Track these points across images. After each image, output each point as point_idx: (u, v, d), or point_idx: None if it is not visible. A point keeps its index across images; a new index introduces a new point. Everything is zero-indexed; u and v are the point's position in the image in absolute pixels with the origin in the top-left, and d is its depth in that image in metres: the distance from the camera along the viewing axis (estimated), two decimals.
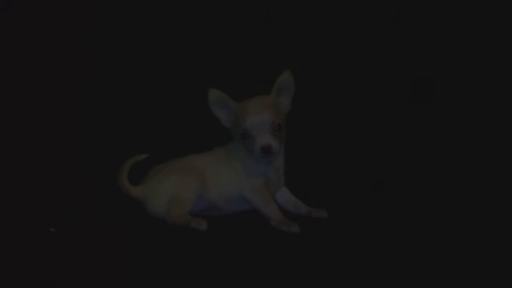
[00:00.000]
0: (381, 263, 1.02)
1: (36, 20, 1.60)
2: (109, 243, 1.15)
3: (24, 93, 1.60)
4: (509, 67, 1.55)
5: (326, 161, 1.58)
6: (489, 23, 1.56)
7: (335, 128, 1.61)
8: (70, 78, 1.62)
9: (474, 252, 1.06)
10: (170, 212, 1.26)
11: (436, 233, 1.16)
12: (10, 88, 1.59)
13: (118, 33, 1.63)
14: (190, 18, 1.65)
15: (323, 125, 1.62)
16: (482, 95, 1.57)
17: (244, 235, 1.19)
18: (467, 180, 1.45)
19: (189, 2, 1.64)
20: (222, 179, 1.31)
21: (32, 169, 1.53)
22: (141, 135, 1.60)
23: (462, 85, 1.58)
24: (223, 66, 1.61)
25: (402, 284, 0.95)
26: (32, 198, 1.41)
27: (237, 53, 1.64)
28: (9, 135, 1.56)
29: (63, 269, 1.02)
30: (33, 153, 1.56)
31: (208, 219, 1.22)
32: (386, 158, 1.57)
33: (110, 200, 1.37)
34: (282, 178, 1.35)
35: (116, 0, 1.63)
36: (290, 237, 1.18)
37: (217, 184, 1.31)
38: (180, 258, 1.07)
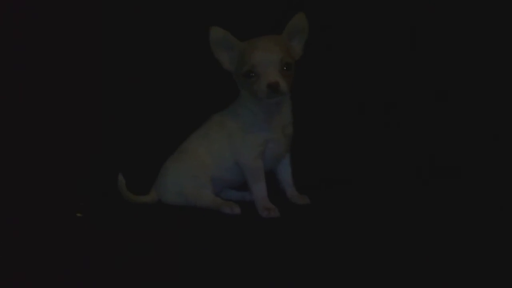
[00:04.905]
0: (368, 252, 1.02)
1: (37, 20, 1.60)
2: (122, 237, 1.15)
3: (41, 96, 1.61)
4: None
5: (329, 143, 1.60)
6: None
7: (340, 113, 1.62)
8: (93, 75, 1.63)
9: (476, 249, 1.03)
10: (195, 200, 1.28)
11: (430, 225, 1.15)
12: (20, 92, 1.60)
13: (131, 25, 1.62)
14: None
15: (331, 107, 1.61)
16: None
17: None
18: (473, 174, 1.49)
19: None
20: (215, 149, 1.28)
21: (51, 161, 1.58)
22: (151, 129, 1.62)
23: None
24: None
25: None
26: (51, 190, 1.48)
27: None
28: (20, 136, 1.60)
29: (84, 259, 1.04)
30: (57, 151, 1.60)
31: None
32: (387, 152, 1.59)
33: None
34: (289, 140, 1.26)
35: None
36: (270, 222, 1.18)
37: (212, 156, 1.28)
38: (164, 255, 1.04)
